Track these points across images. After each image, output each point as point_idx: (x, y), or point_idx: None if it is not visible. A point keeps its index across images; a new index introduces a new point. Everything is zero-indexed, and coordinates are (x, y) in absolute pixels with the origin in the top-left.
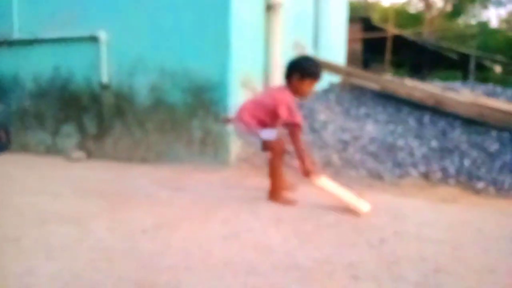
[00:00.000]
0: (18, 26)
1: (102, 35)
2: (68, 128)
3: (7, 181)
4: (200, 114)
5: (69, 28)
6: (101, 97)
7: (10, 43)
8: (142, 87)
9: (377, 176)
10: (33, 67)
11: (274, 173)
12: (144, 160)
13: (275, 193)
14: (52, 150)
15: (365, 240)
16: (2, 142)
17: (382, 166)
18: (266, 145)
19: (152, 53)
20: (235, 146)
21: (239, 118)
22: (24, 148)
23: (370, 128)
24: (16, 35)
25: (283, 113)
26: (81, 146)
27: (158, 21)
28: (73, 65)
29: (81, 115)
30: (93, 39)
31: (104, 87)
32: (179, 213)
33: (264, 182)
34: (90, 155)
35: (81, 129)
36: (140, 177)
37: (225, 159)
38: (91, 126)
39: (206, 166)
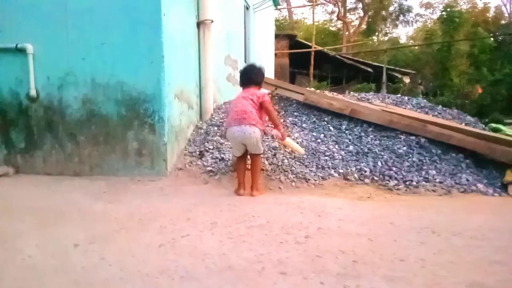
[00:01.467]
0: None
1: (29, 47)
2: None
3: None
4: (135, 126)
5: None
6: (29, 110)
7: None
8: (73, 100)
9: (304, 179)
10: None
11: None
12: (77, 174)
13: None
14: None
15: (292, 237)
16: None
17: (307, 170)
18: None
19: (82, 66)
20: (172, 155)
21: (255, 122)
22: None
23: (297, 135)
24: None
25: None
26: (8, 161)
27: (87, 34)
28: None
29: (8, 129)
30: (20, 51)
31: (32, 100)
32: (114, 225)
33: (200, 189)
34: (18, 170)
35: (9, 143)
36: (73, 191)
37: (162, 169)
38: (18, 140)
39: (143, 176)
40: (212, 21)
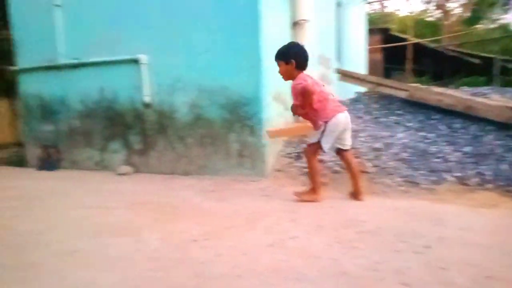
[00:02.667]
0: (64, 51)
1: (143, 58)
2: (115, 145)
3: (61, 196)
4: (236, 128)
5: (112, 52)
6: (144, 115)
7: (57, 68)
8: (182, 105)
9: (412, 183)
10: (80, 89)
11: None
12: (186, 173)
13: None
14: (100, 165)
15: (409, 246)
16: (54, 160)
17: (416, 173)
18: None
19: (189, 73)
20: (271, 157)
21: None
22: (74, 165)
23: (402, 136)
24: (62, 60)
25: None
26: (128, 161)
27: (192, 42)
28: (117, 86)
29: (126, 132)
30: (135, 62)
31: (147, 105)
32: (224, 223)
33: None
34: (136, 169)
35: (127, 145)
36: (184, 189)
37: (262, 170)
38: (136, 142)
39: (244, 177)
40: (307, 21)
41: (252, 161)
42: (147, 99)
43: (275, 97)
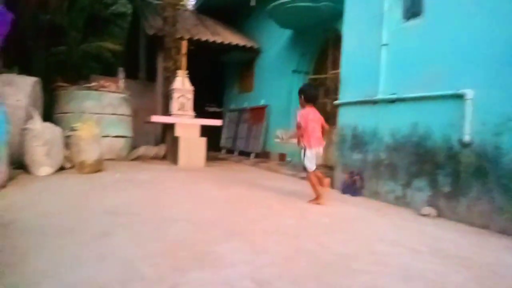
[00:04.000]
0: (383, 88)
1: (468, 93)
2: (420, 183)
3: (365, 224)
4: None
5: (431, 87)
6: (459, 155)
7: (374, 102)
8: (510, 148)
9: None
10: (391, 123)
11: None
12: (503, 231)
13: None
14: (400, 201)
15: None
16: (357, 187)
17: None
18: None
19: None
20: None
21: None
22: (375, 195)
23: None
24: (380, 95)
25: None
26: (431, 203)
27: None
28: (432, 122)
29: (435, 171)
30: (457, 97)
31: (465, 145)
32: None
33: None
34: (440, 213)
35: (434, 185)
36: (501, 251)
37: None
38: (444, 183)
39: None
40: None
41: None
42: (466, 138)
43: None
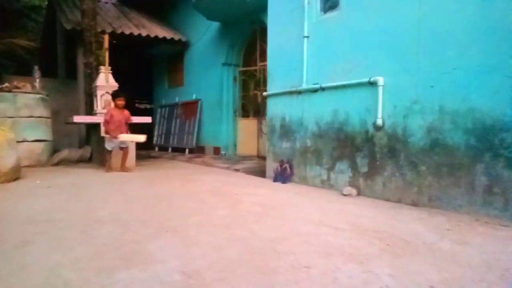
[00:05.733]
0: (307, 78)
1: (380, 79)
2: (342, 165)
3: (292, 208)
4: (486, 158)
5: (349, 76)
6: (374, 138)
7: (299, 92)
8: (417, 128)
9: None
10: (315, 112)
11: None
12: (414, 203)
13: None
14: (326, 184)
15: None
16: (288, 174)
17: None
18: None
19: (429, 93)
20: None
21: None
22: (304, 180)
23: None
24: (304, 85)
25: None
26: (352, 183)
27: (437, 59)
28: (350, 108)
29: (354, 154)
30: (371, 84)
31: (378, 128)
32: (470, 273)
33: None
34: (360, 192)
35: (354, 166)
36: (413, 222)
37: None
38: (362, 164)
39: (491, 218)
40: None
41: (504, 200)
42: (379, 121)
43: None
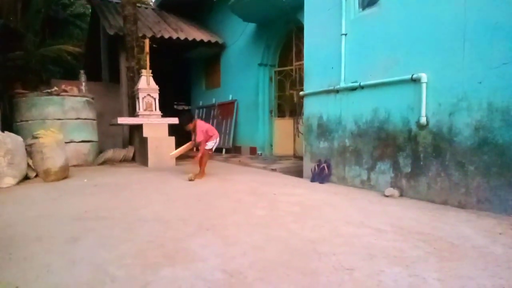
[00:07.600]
0: (345, 76)
1: (423, 76)
2: (383, 166)
3: (332, 209)
4: None
5: (389, 73)
6: (417, 137)
7: (337, 91)
8: (463, 126)
9: None
10: (354, 111)
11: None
12: (461, 205)
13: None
14: (366, 184)
15: None
16: (325, 174)
17: None
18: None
19: (477, 90)
20: None
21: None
22: (342, 181)
23: None
24: (342, 84)
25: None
26: (394, 184)
27: (485, 54)
28: (391, 107)
29: (396, 154)
30: (413, 81)
31: (422, 126)
32: None
33: None
34: (402, 193)
35: (396, 167)
36: (460, 225)
37: None
38: (405, 164)
39: None
40: None
41: None
42: (423, 120)
43: None
